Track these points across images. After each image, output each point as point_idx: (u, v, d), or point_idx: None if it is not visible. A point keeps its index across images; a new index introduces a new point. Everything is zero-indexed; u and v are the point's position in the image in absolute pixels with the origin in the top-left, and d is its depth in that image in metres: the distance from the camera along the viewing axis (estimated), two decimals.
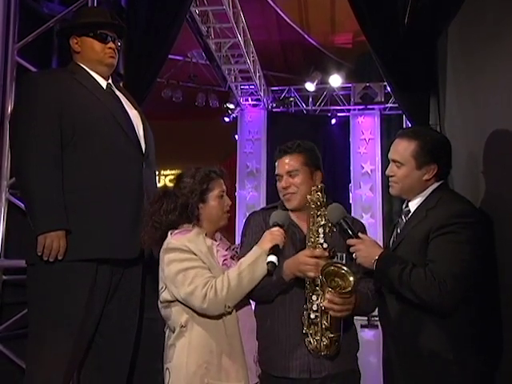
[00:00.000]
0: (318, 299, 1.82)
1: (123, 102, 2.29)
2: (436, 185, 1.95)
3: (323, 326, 1.81)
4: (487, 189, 2.16)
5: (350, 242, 1.87)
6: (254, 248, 1.89)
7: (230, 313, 1.86)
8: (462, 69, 2.55)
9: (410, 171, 1.92)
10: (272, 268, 1.81)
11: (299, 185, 1.98)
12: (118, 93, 2.31)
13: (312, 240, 1.86)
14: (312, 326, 1.83)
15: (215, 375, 1.83)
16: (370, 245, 1.87)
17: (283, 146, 2.03)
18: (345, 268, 1.77)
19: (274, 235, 1.88)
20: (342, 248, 1.92)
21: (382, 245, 1.95)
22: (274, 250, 1.84)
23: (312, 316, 1.83)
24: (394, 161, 1.96)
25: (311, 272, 1.80)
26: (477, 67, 2.32)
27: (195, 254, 1.87)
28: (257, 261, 1.85)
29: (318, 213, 1.87)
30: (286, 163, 2.00)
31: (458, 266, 1.73)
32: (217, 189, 2.00)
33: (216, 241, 2.03)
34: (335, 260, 1.85)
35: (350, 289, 1.73)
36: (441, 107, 2.76)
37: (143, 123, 2.32)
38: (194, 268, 1.86)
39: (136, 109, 2.35)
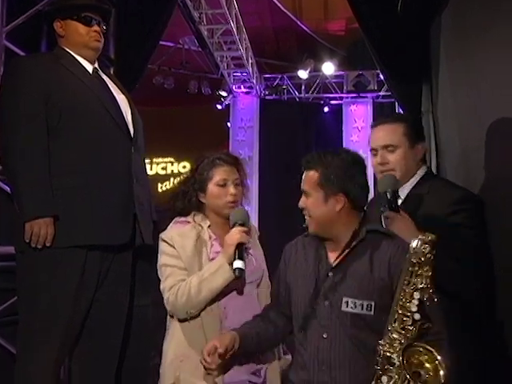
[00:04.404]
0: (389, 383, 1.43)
1: (110, 87, 2.26)
2: (423, 171, 1.95)
3: None
4: (480, 175, 2.16)
5: (389, 214, 1.80)
6: (219, 256, 1.86)
7: (196, 316, 1.84)
8: (455, 55, 2.55)
9: (405, 152, 1.92)
10: (240, 274, 1.78)
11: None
12: (104, 77, 2.28)
13: (401, 304, 1.47)
14: None
15: (190, 371, 1.82)
16: (410, 226, 1.77)
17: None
18: (435, 354, 1.37)
19: (233, 236, 1.83)
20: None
21: None
22: (239, 252, 1.80)
23: None
24: (385, 147, 1.94)
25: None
26: (470, 54, 2.31)
27: (177, 251, 1.88)
28: (217, 271, 1.82)
29: (419, 271, 1.47)
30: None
31: (481, 263, 1.78)
32: (217, 177, 1.94)
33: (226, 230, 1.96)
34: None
35: None
36: (433, 94, 2.76)
37: (131, 108, 2.29)
38: (170, 266, 1.89)
39: (123, 93, 2.32)
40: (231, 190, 1.93)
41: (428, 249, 1.46)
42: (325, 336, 1.63)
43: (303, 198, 1.72)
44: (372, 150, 1.99)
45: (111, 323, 2.17)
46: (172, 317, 1.94)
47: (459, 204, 1.81)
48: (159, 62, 7.76)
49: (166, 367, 1.88)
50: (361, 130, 8.60)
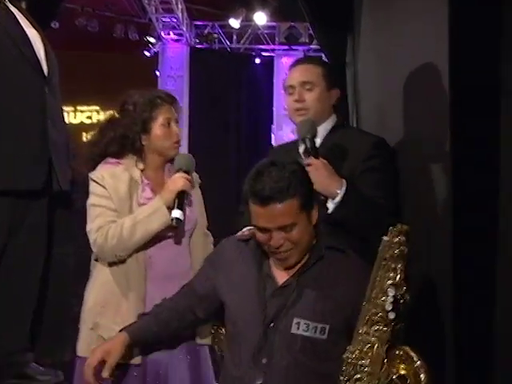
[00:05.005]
0: None
1: (20, 20, 2.09)
2: (334, 118, 2.00)
3: None
4: (395, 126, 2.20)
5: (311, 161, 1.72)
6: (155, 198, 1.81)
7: (121, 262, 1.81)
8: (377, 4, 2.55)
9: (321, 93, 1.94)
10: (177, 224, 1.76)
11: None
12: (13, 9, 2.10)
13: (373, 302, 1.33)
14: None
15: (110, 317, 1.80)
16: (332, 172, 1.76)
17: None
18: (415, 359, 1.25)
19: (176, 182, 1.80)
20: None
21: None
22: (179, 200, 1.78)
23: None
24: (303, 83, 1.93)
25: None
26: (391, 2, 2.33)
27: (108, 192, 1.82)
28: (154, 213, 1.78)
29: (393, 265, 1.32)
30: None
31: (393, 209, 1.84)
32: (161, 116, 1.88)
33: (164, 173, 1.93)
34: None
35: None
36: (355, 44, 2.78)
37: (44, 45, 2.14)
38: (100, 207, 1.82)
39: (36, 29, 2.16)
40: (175, 128, 1.92)
41: (402, 240, 1.33)
42: (264, 361, 1.46)
43: (281, 235, 1.44)
44: (289, 87, 1.97)
45: (27, 273, 2.09)
46: (96, 260, 1.90)
47: (375, 149, 1.87)
48: (82, 2, 7.32)
49: (86, 312, 1.87)
50: None
